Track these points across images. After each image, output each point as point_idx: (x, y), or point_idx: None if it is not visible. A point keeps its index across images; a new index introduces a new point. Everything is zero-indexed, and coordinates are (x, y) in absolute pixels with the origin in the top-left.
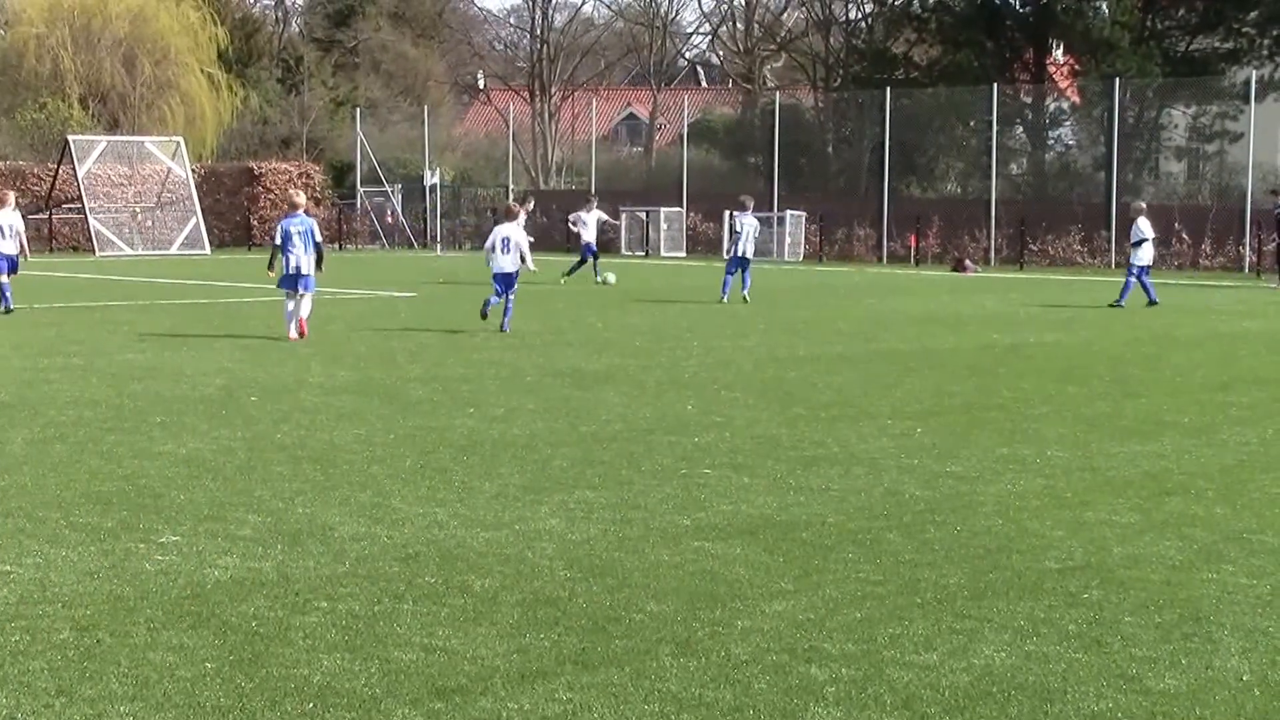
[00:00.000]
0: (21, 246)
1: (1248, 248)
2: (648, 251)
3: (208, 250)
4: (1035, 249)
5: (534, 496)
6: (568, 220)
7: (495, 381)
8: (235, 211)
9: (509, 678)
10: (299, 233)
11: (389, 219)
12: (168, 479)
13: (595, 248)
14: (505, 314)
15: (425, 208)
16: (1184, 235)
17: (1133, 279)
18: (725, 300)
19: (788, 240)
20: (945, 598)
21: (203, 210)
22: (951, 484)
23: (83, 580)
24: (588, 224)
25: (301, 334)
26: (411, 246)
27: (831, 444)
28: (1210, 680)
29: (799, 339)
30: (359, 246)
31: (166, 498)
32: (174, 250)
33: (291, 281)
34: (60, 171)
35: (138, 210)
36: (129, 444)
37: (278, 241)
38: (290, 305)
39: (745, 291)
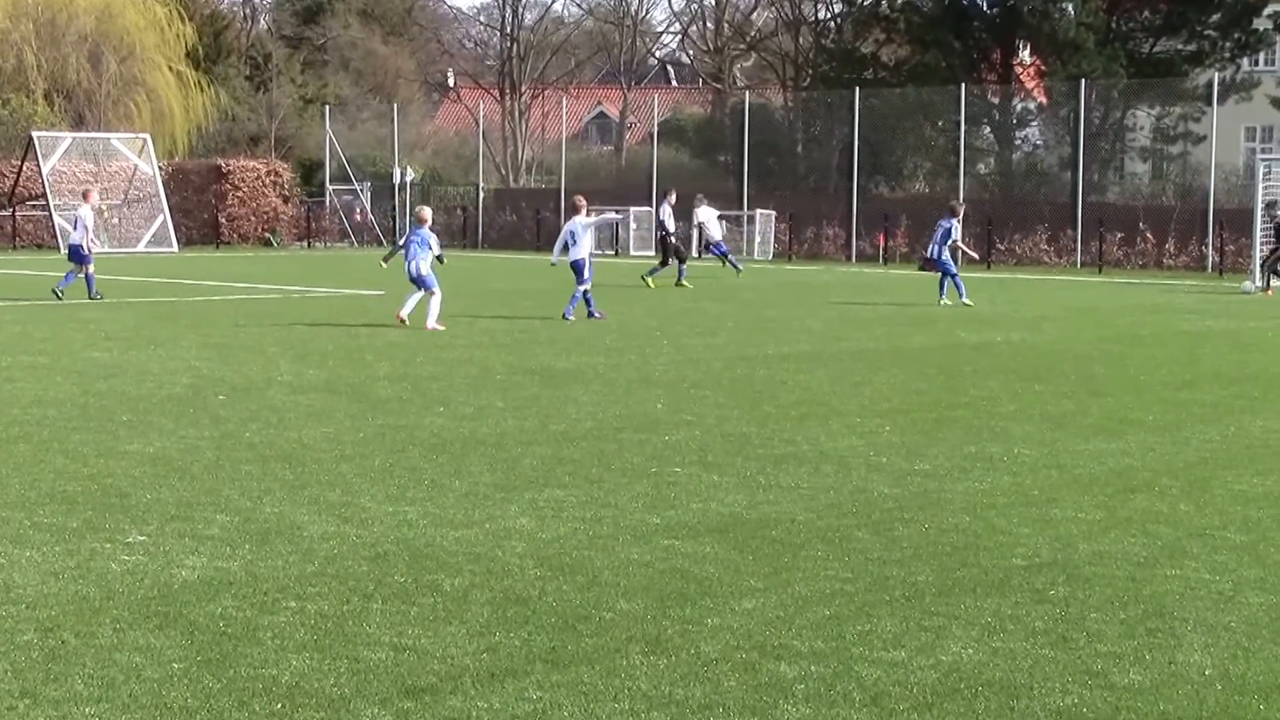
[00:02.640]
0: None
1: (1210, 247)
2: (617, 250)
3: (175, 248)
4: (1002, 248)
5: (504, 495)
6: (661, 227)
7: (465, 380)
8: (203, 209)
9: (479, 676)
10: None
11: (358, 217)
12: (134, 478)
13: (724, 246)
14: (572, 302)
15: (394, 206)
16: (1148, 235)
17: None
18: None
19: (757, 239)
20: (913, 595)
21: (170, 208)
22: (920, 482)
23: (47, 581)
24: (707, 223)
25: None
26: (381, 244)
27: (801, 442)
28: (1173, 675)
29: (768, 337)
30: (328, 245)
31: (133, 497)
32: (141, 248)
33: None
34: (24, 168)
35: (104, 208)
36: (95, 443)
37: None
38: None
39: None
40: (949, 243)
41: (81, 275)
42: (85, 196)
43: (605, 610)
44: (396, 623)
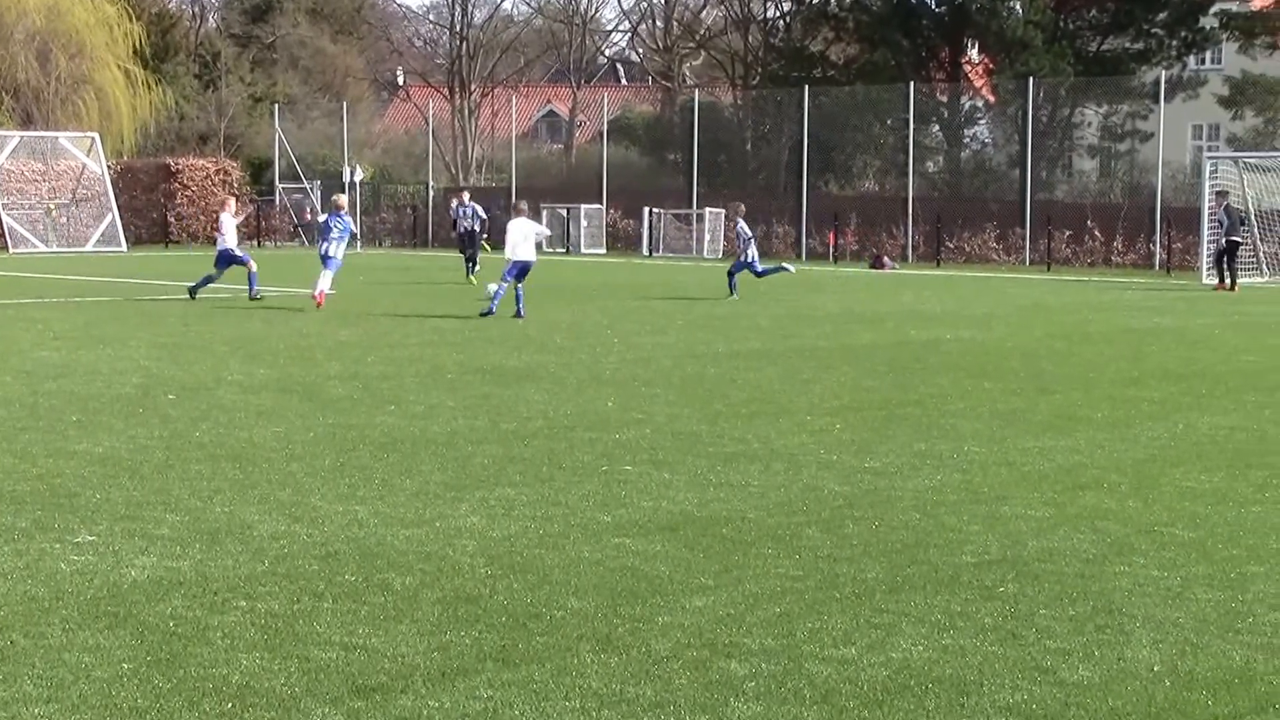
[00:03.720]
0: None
1: (1158, 245)
2: (568, 248)
3: (124, 247)
4: (951, 246)
5: (455, 494)
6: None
7: (415, 379)
8: (152, 208)
9: (429, 675)
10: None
11: (308, 216)
12: (83, 478)
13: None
14: (519, 300)
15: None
16: (1096, 233)
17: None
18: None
19: (706, 238)
20: (863, 592)
21: (119, 207)
22: (870, 479)
23: None
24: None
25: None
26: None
27: (751, 440)
28: (1122, 671)
29: (718, 336)
30: (278, 244)
31: (82, 497)
32: (89, 247)
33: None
34: None
35: (52, 207)
36: (44, 443)
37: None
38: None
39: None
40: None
41: (214, 275)
42: (224, 205)
43: (556, 608)
44: (347, 622)
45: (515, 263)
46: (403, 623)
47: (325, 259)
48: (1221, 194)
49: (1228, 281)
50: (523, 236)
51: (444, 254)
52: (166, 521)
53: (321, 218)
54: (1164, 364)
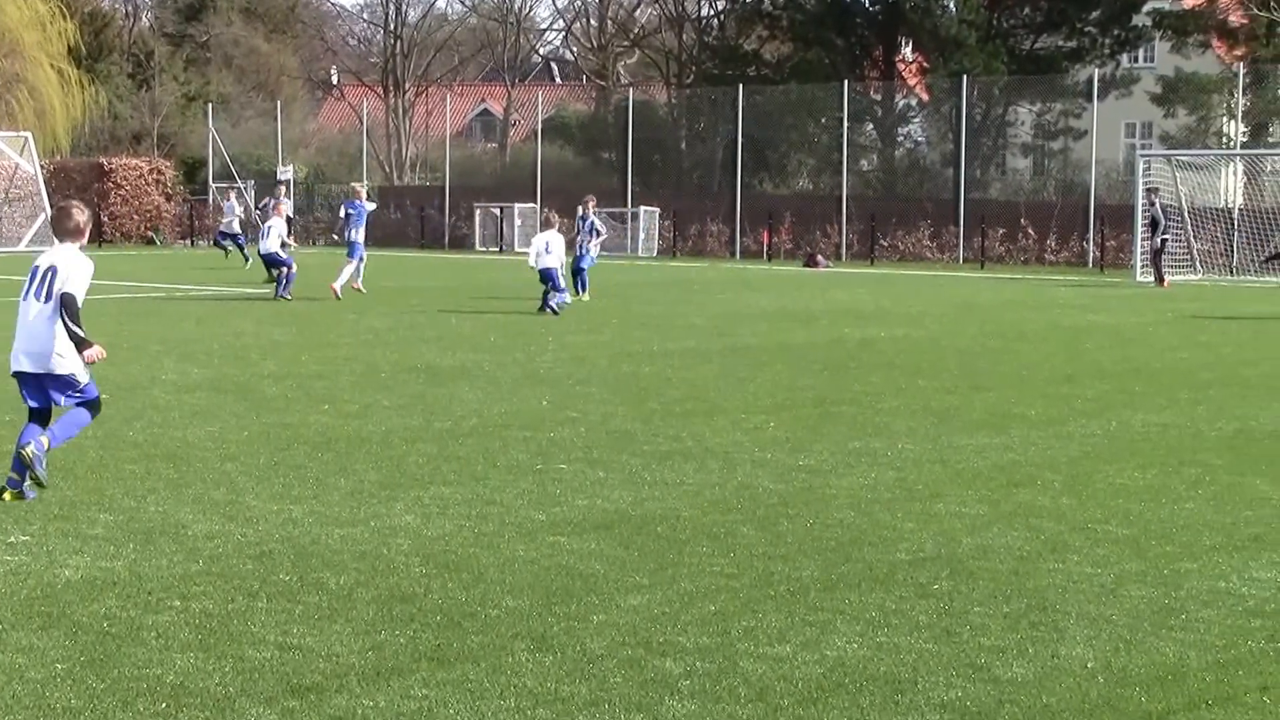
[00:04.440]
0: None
1: (1091, 243)
2: (501, 247)
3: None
4: (885, 244)
5: (389, 493)
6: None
7: (350, 378)
8: (85, 208)
9: (364, 675)
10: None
11: (242, 216)
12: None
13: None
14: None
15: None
16: (1030, 231)
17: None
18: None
19: (641, 236)
20: (798, 590)
21: (52, 207)
22: (804, 477)
23: None
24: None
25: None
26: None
27: (686, 438)
28: (1056, 668)
29: (653, 334)
30: (211, 243)
31: None
32: (23, 247)
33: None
34: None
35: None
36: None
37: None
38: None
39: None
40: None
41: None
42: (276, 209)
43: (491, 607)
44: (282, 621)
45: (539, 270)
46: (337, 622)
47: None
48: (1152, 190)
49: (1167, 281)
50: (545, 247)
51: (377, 253)
52: (100, 521)
53: (342, 214)
54: (1098, 361)
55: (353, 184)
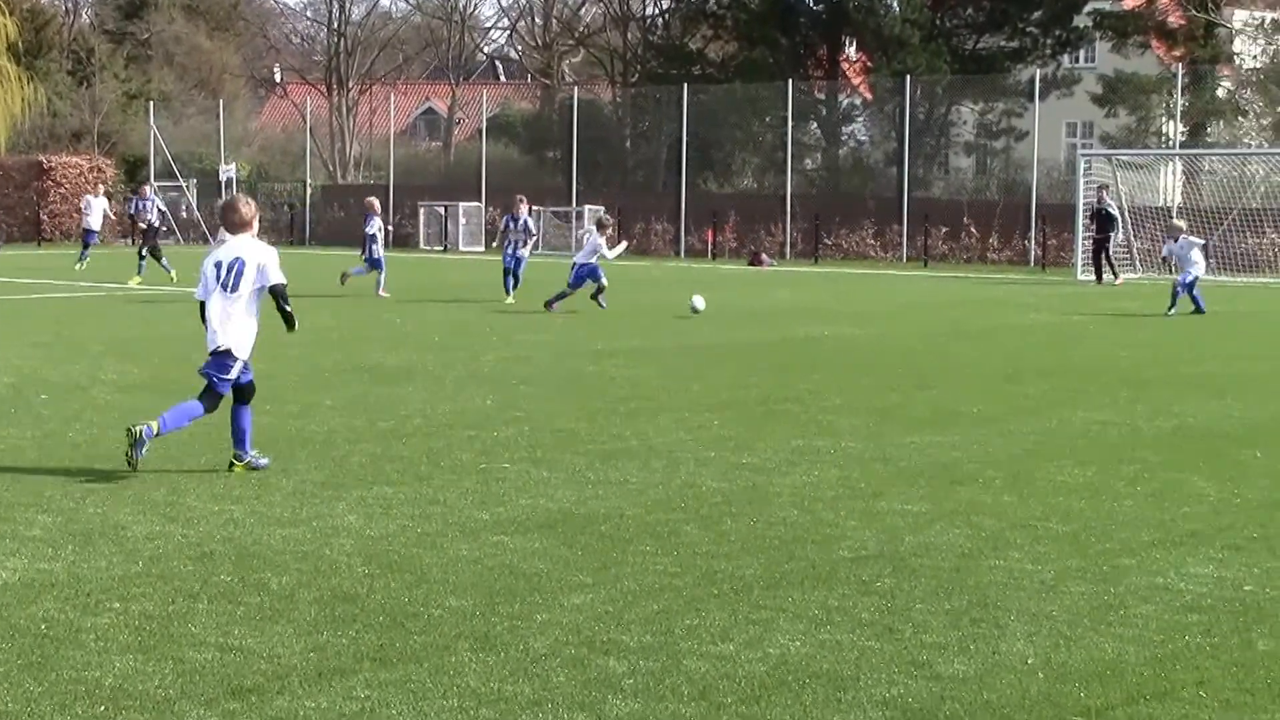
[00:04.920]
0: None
1: (1033, 242)
2: (446, 246)
3: None
4: (829, 243)
5: (332, 493)
6: None
7: (293, 377)
8: (24, 206)
9: (306, 676)
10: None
11: (184, 214)
12: None
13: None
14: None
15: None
16: (973, 229)
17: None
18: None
19: (587, 234)
20: (741, 588)
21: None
22: (748, 476)
23: None
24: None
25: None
26: (208, 241)
27: (630, 437)
28: (996, 664)
29: (598, 333)
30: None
31: None
32: None
33: None
34: None
35: None
36: None
37: None
38: None
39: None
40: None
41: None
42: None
43: (434, 607)
44: (222, 623)
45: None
46: (279, 623)
47: (374, 262)
48: (1102, 187)
49: (1120, 278)
50: (595, 246)
51: (321, 252)
52: (38, 523)
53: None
54: (1039, 360)
55: (369, 199)
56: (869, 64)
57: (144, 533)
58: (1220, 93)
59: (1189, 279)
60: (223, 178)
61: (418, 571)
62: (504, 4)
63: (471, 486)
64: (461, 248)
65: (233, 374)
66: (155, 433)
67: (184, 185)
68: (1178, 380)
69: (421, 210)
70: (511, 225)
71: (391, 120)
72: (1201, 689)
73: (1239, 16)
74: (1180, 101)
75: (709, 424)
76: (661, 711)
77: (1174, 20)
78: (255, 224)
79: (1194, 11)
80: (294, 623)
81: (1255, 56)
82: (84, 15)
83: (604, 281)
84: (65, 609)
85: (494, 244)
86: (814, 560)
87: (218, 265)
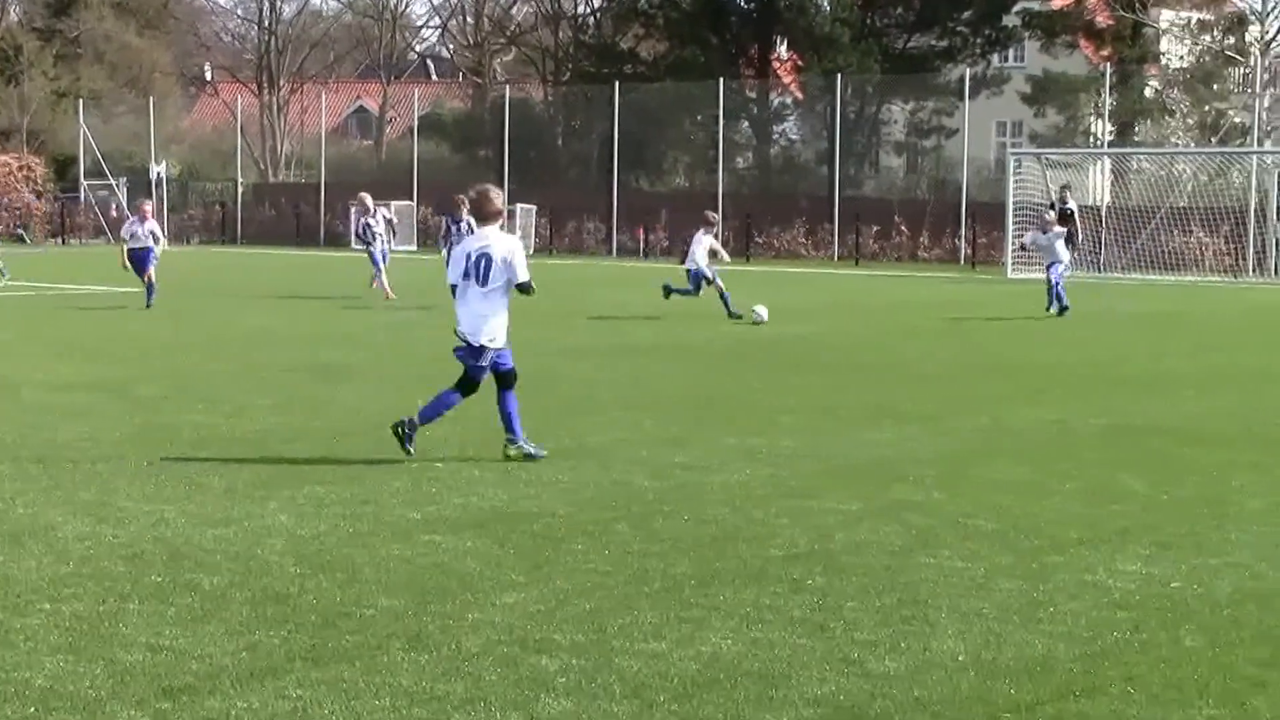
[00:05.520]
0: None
1: (963, 240)
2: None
3: None
4: (761, 241)
5: (263, 492)
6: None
7: (228, 377)
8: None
9: (238, 676)
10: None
11: (114, 213)
12: None
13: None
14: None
15: (152, 201)
16: (903, 228)
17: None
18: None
19: (518, 233)
20: (673, 587)
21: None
22: (680, 474)
23: None
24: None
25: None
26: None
27: (564, 436)
28: (927, 662)
29: (532, 332)
30: (83, 241)
31: None
32: None
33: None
34: None
35: None
36: None
37: None
38: None
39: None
40: None
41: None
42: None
43: (366, 607)
44: (154, 623)
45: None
46: (210, 623)
47: (376, 260)
48: (1065, 188)
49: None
50: (702, 250)
51: (252, 250)
52: None
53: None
54: (974, 358)
55: (362, 194)
56: (800, 63)
57: (74, 533)
58: (1148, 92)
59: (1059, 273)
60: (153, 176)
61: (349, 571)
62: (435, 3)
63: (403, 485)
64: (393, 246)
65: (485, 361)
66: (417, 425)
67: (114, 184)
68: (1110, 379)
69: (353, 209)
70: (454, 228)
71: (323, 118)
72: (1130, 685)
73: (1166, 16)
74: (1108, 101)
75: (643, 423)
76: (594, 710)
77: (1102, 20)
78: (504, 213)
79: (1121, 11)
80: (226, 623)
81: (1182, 57)
82: (12, 13)
83: (705, 285)
84: None
85: (441, 247)
86: (746, 559)
87: (468, 256)
